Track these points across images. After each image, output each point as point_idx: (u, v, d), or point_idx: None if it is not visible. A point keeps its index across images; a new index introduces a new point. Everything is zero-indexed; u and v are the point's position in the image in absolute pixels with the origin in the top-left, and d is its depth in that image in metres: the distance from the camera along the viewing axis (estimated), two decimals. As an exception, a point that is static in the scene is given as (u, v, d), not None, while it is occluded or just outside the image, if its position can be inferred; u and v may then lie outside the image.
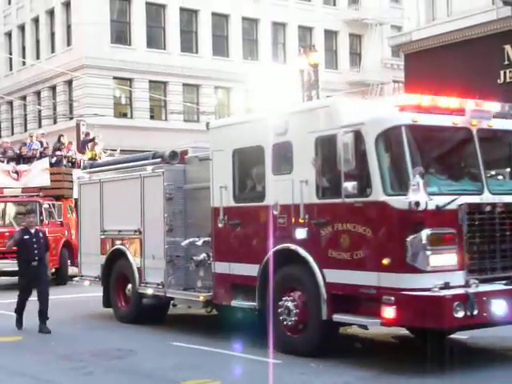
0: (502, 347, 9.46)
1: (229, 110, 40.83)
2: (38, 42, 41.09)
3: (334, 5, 45.16)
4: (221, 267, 10.09)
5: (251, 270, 9.48)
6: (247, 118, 10.38)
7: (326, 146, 8.55)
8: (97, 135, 24.30)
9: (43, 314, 11.35)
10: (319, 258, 8.58)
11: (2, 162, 21.49)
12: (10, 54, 42.35)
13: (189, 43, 39.75)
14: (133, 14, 37.96)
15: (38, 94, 40.72)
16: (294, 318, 8.87)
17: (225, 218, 9.97)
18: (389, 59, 43.90)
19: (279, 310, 9.03)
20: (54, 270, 18.87)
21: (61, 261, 19.70)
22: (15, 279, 19.41)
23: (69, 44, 38.24)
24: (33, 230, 11.67)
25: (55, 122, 38.81)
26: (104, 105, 35.92)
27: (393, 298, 7.70)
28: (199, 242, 10.61)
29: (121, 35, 38.10)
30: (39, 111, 40.35)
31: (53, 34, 39.72)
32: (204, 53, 39.77)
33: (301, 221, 8.83)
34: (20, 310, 11.73)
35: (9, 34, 43.66)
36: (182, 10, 39.27)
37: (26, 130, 39.56)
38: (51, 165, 21.30)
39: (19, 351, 9.98)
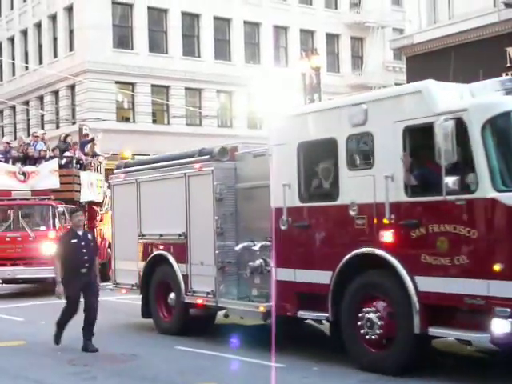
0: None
1: (231, 113, 40.87)
2: (40, 46, 41.06)
3: (336, 8, 45.12)
4: (284, 274, 9.02)
5: (322, 277, 8.47)
6: (316, 108, 9.28)
7: (419, 137, 7.60)
8: (96, 135, 23.95)
9: (89, 330, 10.06)
10: (409, 264, 7.57)
11: (6, 162, 20.25)
12: (13, 59, 42.35)
13: (191, 47, 39.74)
14: (135, 19, 37.94)
15: (41, 98, 40.69)
16: (377, 332, 7.88)
17: (289, 219, 8.91)
18: (391, 62, 43.89)
19: (359, 323, 8.06)
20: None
21: None
22: (22, 286, 19.30)
23: (71, 49, 38.24)
24: (80, 232, 10.22)
25: (58, 127, 38.78)
26: (106, 109, 35.90)
27: (509, 310, 6.74)
28: (256, 247, 9.57)
29: (123, 40, 38.08)
30: (42, 116, 40.34)
31: (55, 39, 39.70)
32: (206, 57, 39.76)
33: (385, 221, 7.80)
34: (63, 324, 10.24)
35: (11, 40, 43.65)
36: (184, 14, 39.26)
37: (28, 135, 39.60)
38: (60, 166, 20.19)
39: (23, 355, 9.90)
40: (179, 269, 10.76)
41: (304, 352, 9.31)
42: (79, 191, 20.37)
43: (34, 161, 20.41)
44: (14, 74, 43.61)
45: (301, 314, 8.81)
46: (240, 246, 9.88)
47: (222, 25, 40.56)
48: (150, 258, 11.39)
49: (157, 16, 38.82)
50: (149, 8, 38.13)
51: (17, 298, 16.92)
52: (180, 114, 38.53)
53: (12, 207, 18.70)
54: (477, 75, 18.31)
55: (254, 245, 9.62)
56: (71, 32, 38.28)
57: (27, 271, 17.61)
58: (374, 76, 43.63)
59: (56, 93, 39.38)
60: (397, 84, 43.03)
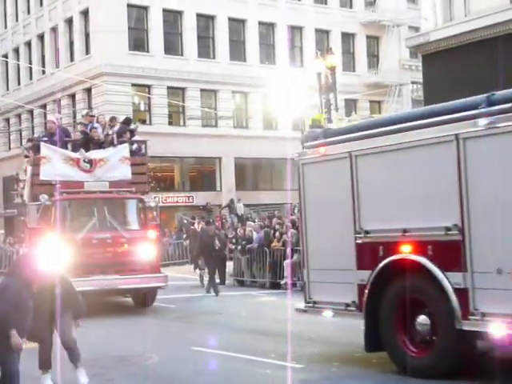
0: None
1: (246, 114, 40.88)
2: (57, 50, 41.43)
3: (351, 7, 45.00)
4: None
5: None
6: None
7: None
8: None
9: None
10: None
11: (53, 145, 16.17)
12: (30, 63, 42.72)
13: (206, 49, 39.82)
14: (150, 21, 38.08)
15: (58, 102, 41.04)
16: None
17: None
18: (407, 60, 43.67)
19: None
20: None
21: None
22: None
23: (87, 52, 38.46)
24: None
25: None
26: (123, 112, 36.01)
27: None
28: None
29: (138, 42, 38.24)
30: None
31: (71, 43, 39.95)
32: (221, 58, 39.82)
33: None
34: None
35: (28, 44, 43.96)
36: (199, 15, 39.34)
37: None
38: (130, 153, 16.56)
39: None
40: (447, 280, 7.55)
41: (323, 353, 9.26)
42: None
43: (99, 146, 16.64)
44: (31, 78, 43.88)
45: None
46: None
47: (236, 26, 40.60)
48: (382, 264, 8.18)
49: (172, 18, 38.93)
50: (164, 10, 38.25)
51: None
52: (196, 116, 38.61)
53: (93, 202, 15.20)
54: (493, 72, 18.21)
55: None
56: (87, 35, 38.49)
57: (124, 280, 14.21)
58: (390, 75, 43.47)
59: (73, 96, 39.60)
60: (413, 82, 42.86)
